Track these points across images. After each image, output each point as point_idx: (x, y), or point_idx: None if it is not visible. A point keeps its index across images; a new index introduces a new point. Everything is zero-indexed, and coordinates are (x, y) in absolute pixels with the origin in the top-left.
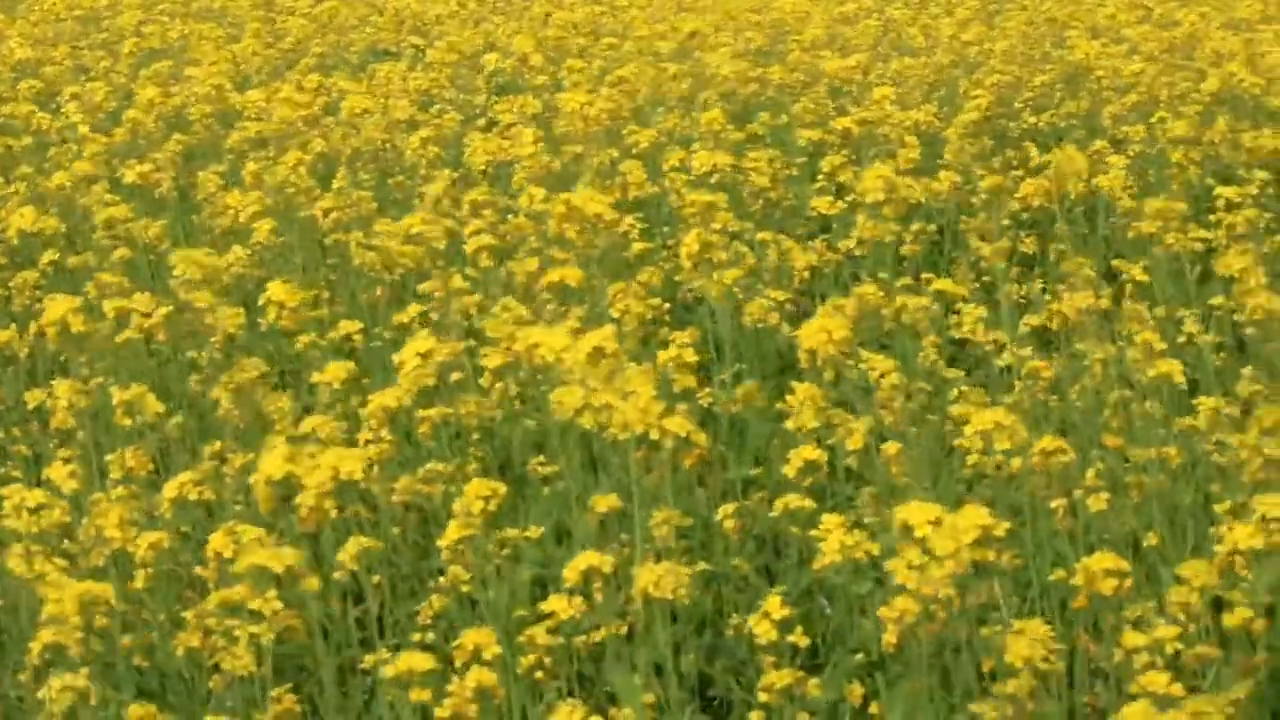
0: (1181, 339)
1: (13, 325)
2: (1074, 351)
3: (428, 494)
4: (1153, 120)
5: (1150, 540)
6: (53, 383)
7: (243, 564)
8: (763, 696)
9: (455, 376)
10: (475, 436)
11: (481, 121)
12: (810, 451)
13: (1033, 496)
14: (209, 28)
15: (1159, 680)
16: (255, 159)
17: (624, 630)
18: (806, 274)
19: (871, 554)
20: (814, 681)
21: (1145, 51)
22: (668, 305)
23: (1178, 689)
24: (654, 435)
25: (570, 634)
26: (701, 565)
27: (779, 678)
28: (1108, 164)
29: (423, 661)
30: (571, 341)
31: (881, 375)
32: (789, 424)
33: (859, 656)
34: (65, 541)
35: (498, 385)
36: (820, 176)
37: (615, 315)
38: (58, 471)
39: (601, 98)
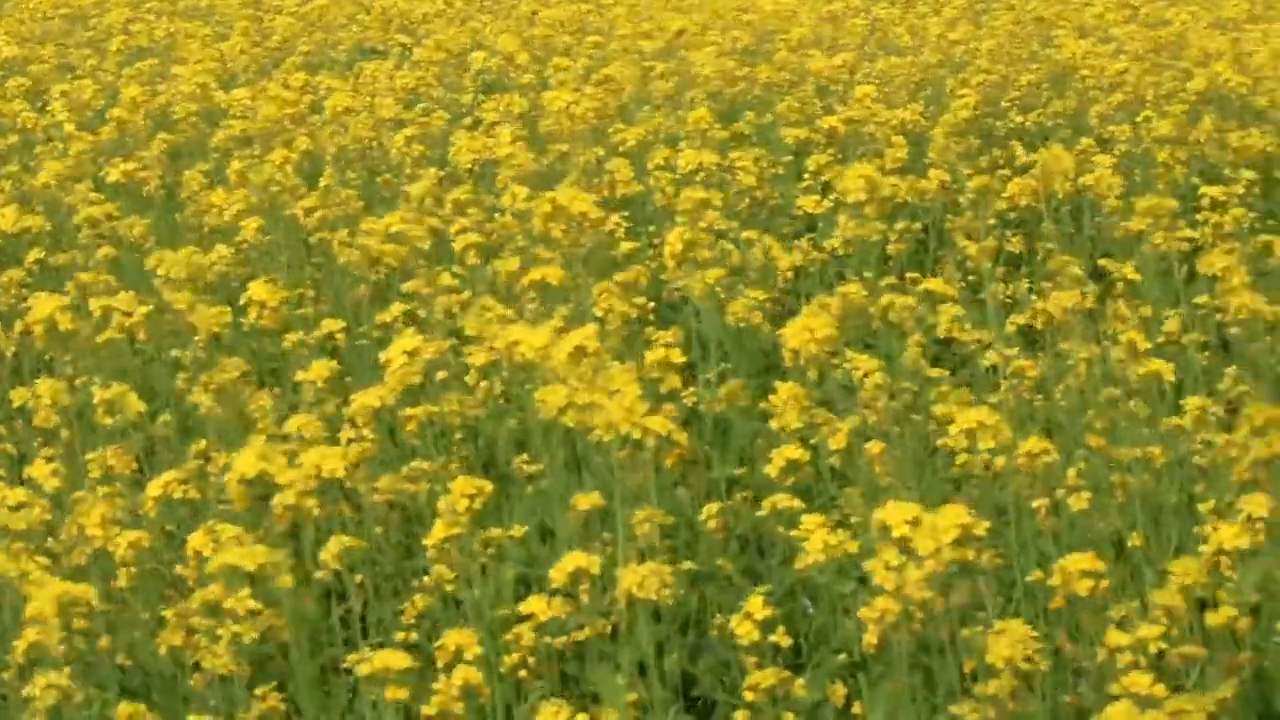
0: (1160, 339)
1: None
2: (1059, 351)
3: (412, 493)
4: (1138, 120)
5: (1135, 540)
6: (37, 381)
7: (215, 563)
8: (748, 696)
9: (441, 375)
10: (459, 436)
11: (468, 120)
12: (793, 451)
13: (1017, 496)
14: (196, 26)
15: (1142, 681)
16: (240, 157)
17: (607, 630)
18: (790, 274)
19: (853, 554)
20: (799, 682)
21: (1131, 51)
22: (652, 304)
23: (1160, 690)
24: (635, 435)
25: (554, 634)
26: (687, 565)
27: (764, 677)
28: (1094, 163)
29: (399, 660)
30: (552, 339)
31: (865, 375)
32: (773, 424)
33: (841, 657)
34: (49, 540)
35: (482, 384)
36: (806, 175)
37: (599, 314)
38: (40, 470)
39: (587, 96)
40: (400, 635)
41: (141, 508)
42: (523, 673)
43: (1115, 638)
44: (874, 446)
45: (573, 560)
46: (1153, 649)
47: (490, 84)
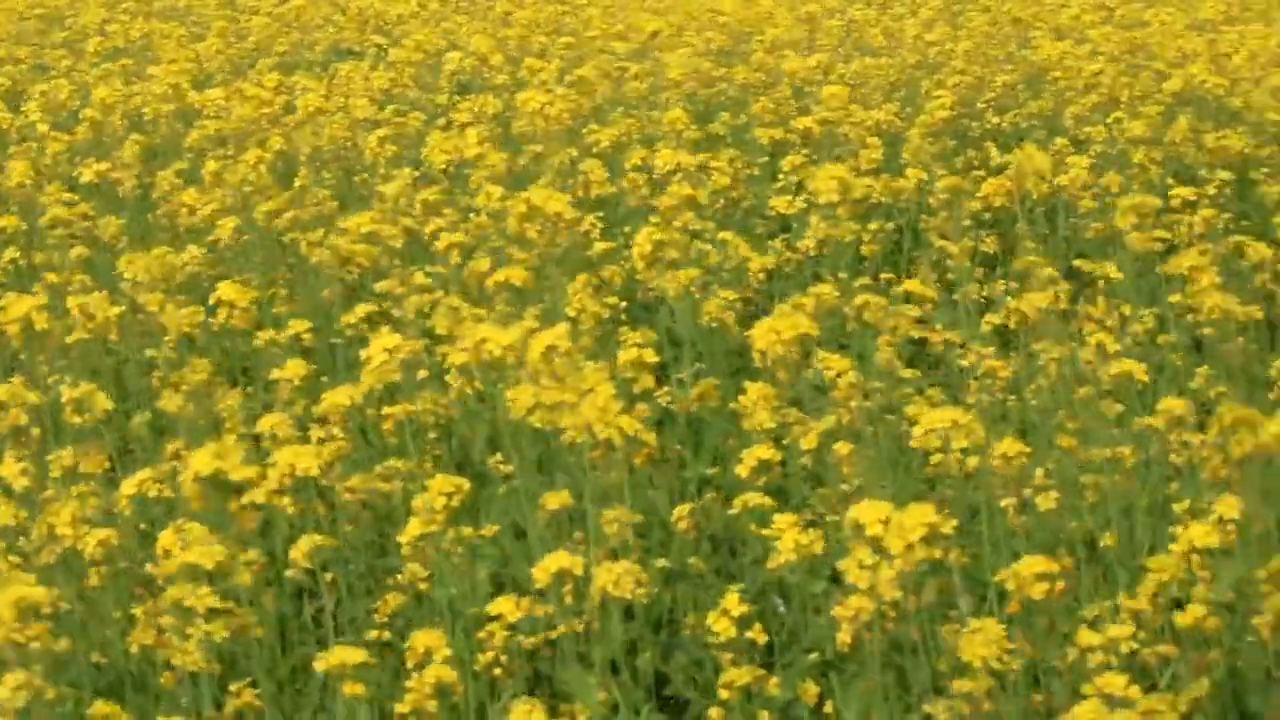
0: (1129, 339)
1: None
2: (1031, 351)
3: (385, 491)
4: (1109, 120)
5: (1107, 540)
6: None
7: (174, 562)
8: (723, 694)
9: (422, 374)
10: (433, 435)
11: (443, 121)
12: (764, 451)
13: (989, 496)
14: (171, 27)
15: (1116, 681)
16: (215, 157)
17: (579, 629)
18: (763, 275)
19: (822, 554)
20: (774, 680)
21: (1107, 52)
22: (625, 305)
23: (1135, 692)
24: (604, 434)
25: (528, 633)
26: (661, 562)
27: (739, 675)
28: (1069, 164)
29: (355, 655)
30: (523, 338)
31: (839, 375)
32: (745, 424)
33: (814, 656)
34: (20, 539)
35: (456, 383)
36: (781, 176)
37: (571, 314)
38: (9, 469)
39: (561, 97)
40: (373, 634)
41: (115, 506)
42: (497, 670)
43: (1087, 637)
44: (843, 447)
45: (555, 561)
46: (1124, 649)
47: (465, 85)
